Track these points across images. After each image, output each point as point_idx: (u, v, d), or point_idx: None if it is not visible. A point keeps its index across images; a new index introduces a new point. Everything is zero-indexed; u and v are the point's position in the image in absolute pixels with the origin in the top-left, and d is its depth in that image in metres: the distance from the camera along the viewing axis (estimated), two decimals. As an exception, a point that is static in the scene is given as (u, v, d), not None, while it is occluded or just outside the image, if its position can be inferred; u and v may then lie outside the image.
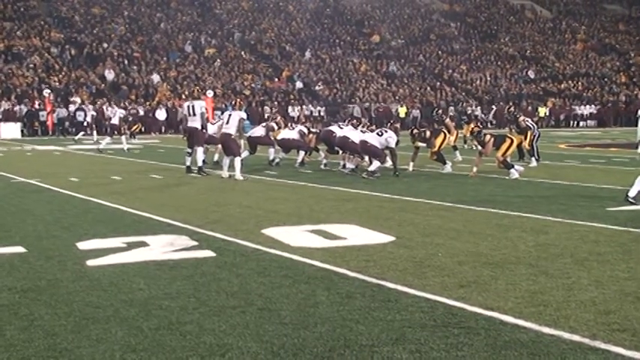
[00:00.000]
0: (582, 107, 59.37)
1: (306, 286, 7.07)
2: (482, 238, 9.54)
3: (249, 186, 16.59)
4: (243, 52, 58.74)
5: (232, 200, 13.91)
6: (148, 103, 49.18)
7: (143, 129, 45.30)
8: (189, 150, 19.36)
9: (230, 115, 18.83)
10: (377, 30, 67.25)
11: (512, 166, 18.05)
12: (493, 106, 53.28)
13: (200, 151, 19.02)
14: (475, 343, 5.38)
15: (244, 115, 18.82)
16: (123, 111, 33.75)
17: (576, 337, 5.48)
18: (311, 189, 15.98)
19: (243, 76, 55.41)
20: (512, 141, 18.56)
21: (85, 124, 42.74)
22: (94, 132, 37.85)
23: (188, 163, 19.38)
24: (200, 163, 18.95)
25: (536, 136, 22.33)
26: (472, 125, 25.34)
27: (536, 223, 10.86)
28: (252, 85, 54.47)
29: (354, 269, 7.70)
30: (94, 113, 40.56)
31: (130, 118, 39.64)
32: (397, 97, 56.63)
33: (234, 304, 6.47)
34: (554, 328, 5.71)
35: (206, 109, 20.47)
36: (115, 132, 30.01)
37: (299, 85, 56.16)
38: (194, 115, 19.10)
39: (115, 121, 30.08)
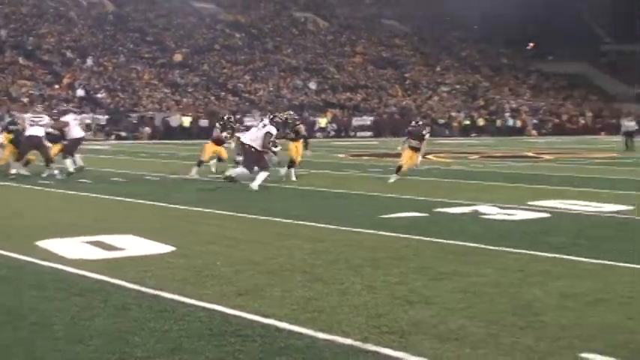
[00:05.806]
0: (360, 118, 61.39)
1: (81, 298, 6.89)
2: (260, 246, 9.66)
3: (24, 195, 16.00)
4: (20, 58, 56.47)
5: (5, 209, 13.34)
6: None
7: None
8: None
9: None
10: (162, 39, 66.67)
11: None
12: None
13: None
14: (250, 350, 5.44)
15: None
16: None
17: (349, 341, 5.66)
18: (92, 199, 15.59)
19: (20, 82, 53.25)
20: None
21: None
22: None
23: None
24: None
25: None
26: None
27: (314, 231, 11.11)
28: (31, 91, 52.42)
29: (131, 280, 7.59)
30: None
31: None
32: (180, 106, 56.23)
33: (6, 319, 6.22)
34: (328, 333, 5.86)
35: None
36: None
37: (80, 92, 54.57)
38: None
39: None
